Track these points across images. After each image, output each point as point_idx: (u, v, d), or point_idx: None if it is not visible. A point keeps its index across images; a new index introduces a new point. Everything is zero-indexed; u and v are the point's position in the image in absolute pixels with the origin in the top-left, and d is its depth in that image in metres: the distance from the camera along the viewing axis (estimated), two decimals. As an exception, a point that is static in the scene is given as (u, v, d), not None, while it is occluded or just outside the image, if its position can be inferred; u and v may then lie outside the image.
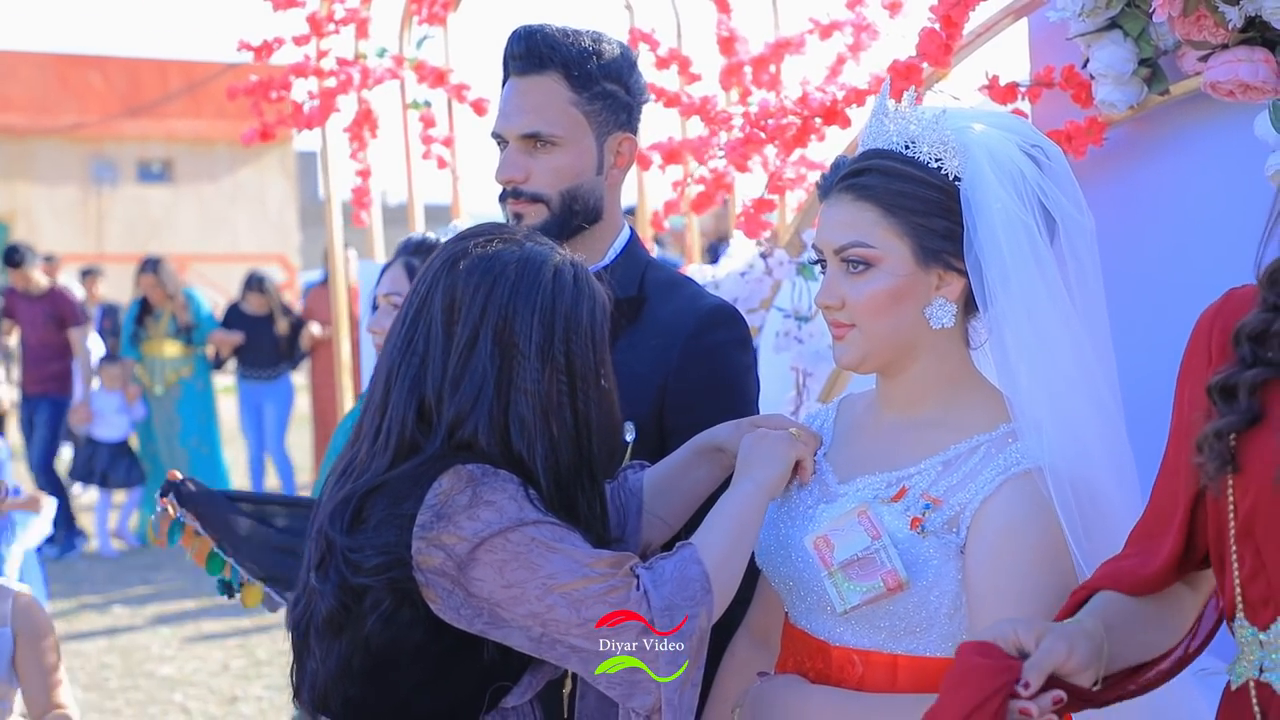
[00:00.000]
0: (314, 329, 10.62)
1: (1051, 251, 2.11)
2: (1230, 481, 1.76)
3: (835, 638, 2.15)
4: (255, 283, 11.01)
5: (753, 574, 2.33)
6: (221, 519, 2.91)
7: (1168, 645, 1.92)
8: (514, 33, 2.61)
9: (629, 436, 2.51)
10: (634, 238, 2.70)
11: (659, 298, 2.61)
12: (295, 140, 26.26)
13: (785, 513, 2.24)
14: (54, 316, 10.29)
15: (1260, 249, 1.78)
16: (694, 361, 2.53)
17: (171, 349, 10.44)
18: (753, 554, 2.24)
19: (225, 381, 11.72)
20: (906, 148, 2.12)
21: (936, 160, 2.10)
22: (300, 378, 12.06)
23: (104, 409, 10.18)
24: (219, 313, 11.37)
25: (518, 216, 2.59)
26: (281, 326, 10.76)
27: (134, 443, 10.49)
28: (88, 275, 14.29)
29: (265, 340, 10.74)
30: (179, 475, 2.95)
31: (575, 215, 2.58)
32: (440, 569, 2.03)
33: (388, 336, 2.19)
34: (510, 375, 2.09)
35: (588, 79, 2.56)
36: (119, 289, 17.54)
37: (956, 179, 2.10)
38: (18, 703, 3.25)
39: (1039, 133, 2.23)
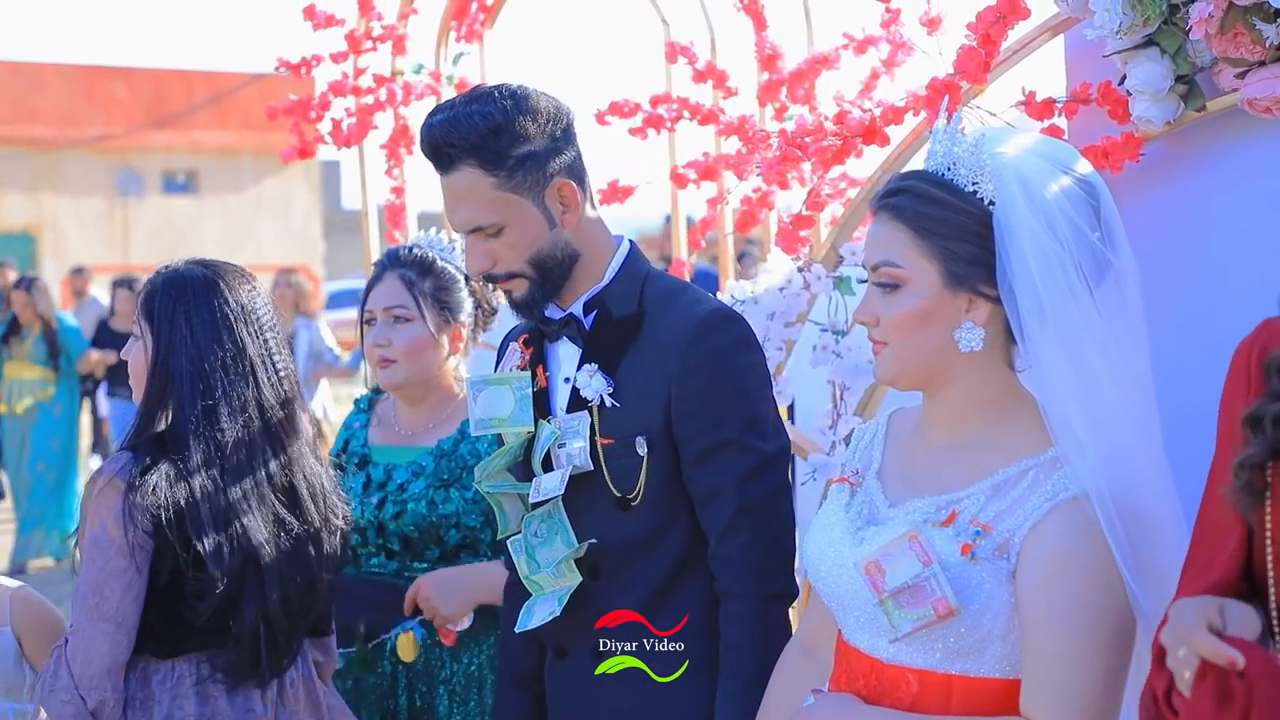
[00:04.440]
0: None
1: (1086, 283, 2.11)
2: (1268, 509, 1.78)
3: (889, 656, 2.13)
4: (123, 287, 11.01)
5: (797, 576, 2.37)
6: None
7: None
8: (420, 130, 2.61)
9: (641, 451, 2.55)
10: (632, 252, 2.69)
11: (658, 310, 2.61)
12: (319, 151, 26.34)
13: (836, 533, 2.23)
14: None
15: None
16: (694, 369, 2.53)
17: (32, 371, 10.32)
18: (805, 568, 2.26)
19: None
20: (948, 170, 2.14)
21: (973, 185, 2.11)
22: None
23: None
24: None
25: (507, 293, 2.64)
26: None
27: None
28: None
29: None
30: None
31: (553, 273, 2.60)
32: None
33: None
34: None
35: (500, 158, 2.53)
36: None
37: (991, 204, 2.10)
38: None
39: (1086, 161, 2.23)
